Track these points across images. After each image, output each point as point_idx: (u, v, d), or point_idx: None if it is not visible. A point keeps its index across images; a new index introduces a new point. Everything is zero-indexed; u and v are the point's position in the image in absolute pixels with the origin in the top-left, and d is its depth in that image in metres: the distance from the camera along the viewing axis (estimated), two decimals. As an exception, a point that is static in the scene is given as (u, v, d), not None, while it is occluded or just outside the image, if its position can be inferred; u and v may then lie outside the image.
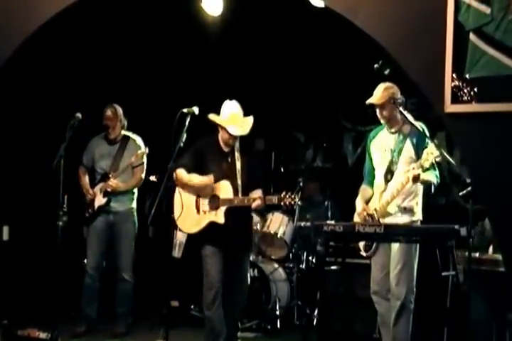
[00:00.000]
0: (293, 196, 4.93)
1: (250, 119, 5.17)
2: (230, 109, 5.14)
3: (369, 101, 4.90)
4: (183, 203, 5.10)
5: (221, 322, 5.08)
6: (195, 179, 5.14)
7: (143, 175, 6.16)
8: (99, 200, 6.10)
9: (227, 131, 5.09)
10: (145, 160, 6.14)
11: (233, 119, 5.11)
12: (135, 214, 6.20)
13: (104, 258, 6.21)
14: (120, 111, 6.21)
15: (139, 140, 6.24)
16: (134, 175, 6.16)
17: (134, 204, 6.23)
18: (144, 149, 6.09)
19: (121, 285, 6.10)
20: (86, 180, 6.25)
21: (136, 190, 6.24)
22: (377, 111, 4.93)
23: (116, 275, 6.12)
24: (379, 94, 4.90)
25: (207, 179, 5.12)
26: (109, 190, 6.03)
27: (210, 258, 5.08)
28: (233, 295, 5.18)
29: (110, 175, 6.06)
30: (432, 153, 4.56)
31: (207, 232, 5.11)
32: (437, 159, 4.60)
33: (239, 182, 5.12)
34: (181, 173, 5.11)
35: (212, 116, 5.13)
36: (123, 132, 6.25)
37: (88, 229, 6.16)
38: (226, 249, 5.11)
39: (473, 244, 5.17)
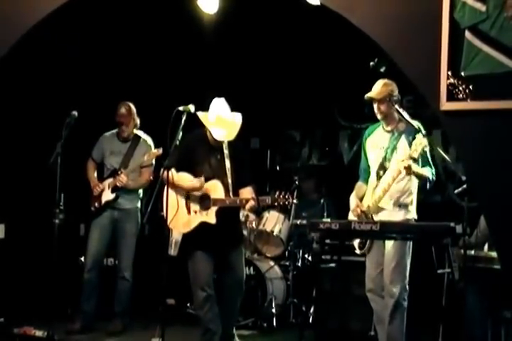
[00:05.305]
0: (287, 196, 4.90)
1: (237, 122, 5.10)
2: (217, 111, 5.06)
3: (368, 95, 4.90)
4: (178, 203, 5.06)
5: (215, 321, 5.06)
6: (185, 181, 5.08)
7: (151, 176, 6.12)
8: (108, 195, 6.09)
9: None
10: (153, 161, 6.11)
11: (219, 122, 5.02)
12: (139, 213, 6.19)
13: (104, 255, 6.21)
14: (134, 109, 6.19)
15: (149, 140, 6.23)
16: (141, 175, 6.14)
17: (139, 204, 6.23)
18: (156, 150, 5.99)
19: (121, 283, 6.08)
20: (94, 173, 6.25)
21: (141, 190, 6.24)
22: (375, 106, 4.93)
23: (117, 274, 6.11)
24: (378, 88, 4.89)
25: (197, 182, 5.06)
26: (118, 184, 6.01)
27: (201, 262, 5.04)
28: (228, 294, 5.18)
29: (120, 172, 6.04)
30: (420, 143, 4.55)
31: (197, 233, 5.07)
32: (425, 149, 4.60)
33: (229, 180, 5.06)
34: (171, 174, 5.00)
35: (201, 116, 5.06)
36: (135, 131, 6.23)
37: (91, 224, 6.13)
38: (216, 249, 5.09)
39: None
